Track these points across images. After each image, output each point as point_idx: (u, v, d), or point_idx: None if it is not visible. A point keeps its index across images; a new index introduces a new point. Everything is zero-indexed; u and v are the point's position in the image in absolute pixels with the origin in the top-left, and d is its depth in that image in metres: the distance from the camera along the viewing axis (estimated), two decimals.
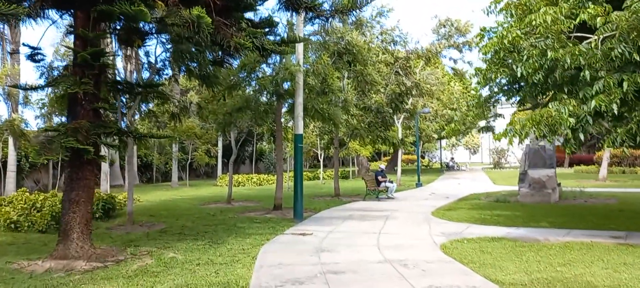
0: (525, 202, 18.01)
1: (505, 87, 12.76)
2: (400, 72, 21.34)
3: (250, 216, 15.24)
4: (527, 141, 17.98)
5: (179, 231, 12.45)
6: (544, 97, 12.18)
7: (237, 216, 15.29)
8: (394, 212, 15.70)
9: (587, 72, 8.32)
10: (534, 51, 9.03)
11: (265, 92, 15.15)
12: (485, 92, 13.16)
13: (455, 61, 24.07)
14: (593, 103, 8.19)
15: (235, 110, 16.06)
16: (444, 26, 25.27)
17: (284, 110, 17.99)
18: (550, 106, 8.96)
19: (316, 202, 19.60)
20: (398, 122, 26.00)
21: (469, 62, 24.82)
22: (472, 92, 14.07)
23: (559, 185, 19.30)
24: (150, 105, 14.19)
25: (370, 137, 20.86)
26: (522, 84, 11.73)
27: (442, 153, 57.25)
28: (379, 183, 20.12)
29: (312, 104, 14.95)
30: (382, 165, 21.14)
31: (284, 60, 14.29)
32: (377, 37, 20.93)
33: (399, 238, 10.71)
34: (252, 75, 14.96)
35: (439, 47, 23.41)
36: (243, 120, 18.00)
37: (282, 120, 18.16)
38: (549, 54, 8.67)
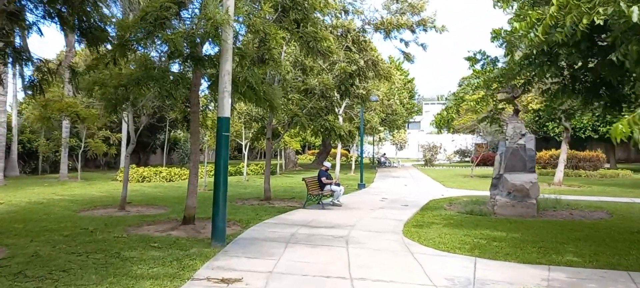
0: (505, 215, 14.50)
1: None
2: (353, 48, 17.23)
3: (147, 234, 10.48)
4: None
5: (19, 269, 7.51)
6: None
7: (127, 234, 10.45)
8: (352, 229, 11.51)
9: None
10: None
11: (176, 56, 10.33)
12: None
13: (407, 44, 19.93)
14: None
15: (131, 82, 11.10)
16: (397, 1, 21.39)
17: (203, 85, 13.23)
18: None
19: (241, 209, 15.03)
20: (340, 111, 21.89)
21: (422, 45, 20.67)
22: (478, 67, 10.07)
23: None
24: None
25: (312, 126, 16.56)
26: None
27: (373, 148, 54.12)
28: (322, 186, 15.88)
29: (245, 76, 10.38)
30: (328, 163, 16.89)
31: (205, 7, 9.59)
32: None
33: None
34: (157, 31, 10.07)
35: (392, 23, 19.43)
36: (144, 97, 13.04)
37: (201, 96, 13.36)
38: None
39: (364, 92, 19.00)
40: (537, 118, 40.77)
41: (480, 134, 44.02)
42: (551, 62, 8.80)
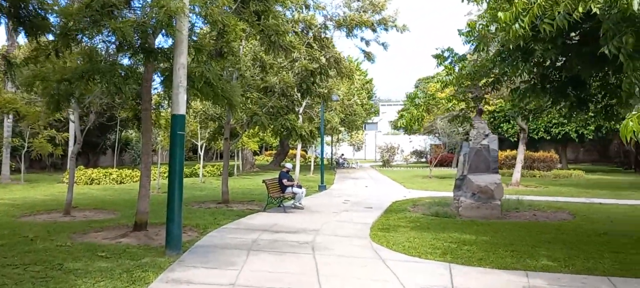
0: (470, 217, 14.24)
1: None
2: (314, 45, 16.61)
3: (94, 242, 9.56)
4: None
5: None
6: None
7: (71, 243, 9.49)
8: (317, 234, 10.90)
9: None
10: None
11: (126, 47, 9.44)
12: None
13: (367, 43, 19.48)
14: None
15: (76, 76, 10.13)
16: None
17: (157, 81, 12.36)
18: None
19: (198, 213, 14.18)
20: (300, 110, 21.26)
21: (383, 44, 20.24)
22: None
23: None
24: None
25: (272, 126, 15.85)
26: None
27: (332, 149, 53.69)
28: (283, 188, 15.20)
29: (202, 70, 9.61)
30: (289, 164, 16.21)
31: None
32: None
33: None
34: (105, 19, 9.15)
35: (354, 19, 18.89)
36: (92, 93, 12.04)
37: (154, 94, 12.45)
38: None
39: (326, 91, 18.44)
40: (492, 119, 41.38)
41: (437, 134, 44.37)
42: (525, 59, 8.45)
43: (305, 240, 10.19)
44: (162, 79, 10.60)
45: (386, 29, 21.06)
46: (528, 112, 12.55)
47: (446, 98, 9.51)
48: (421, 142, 55.15)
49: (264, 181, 15.04)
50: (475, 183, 14.81)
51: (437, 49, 10.49)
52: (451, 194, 20.20)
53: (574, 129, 37.83)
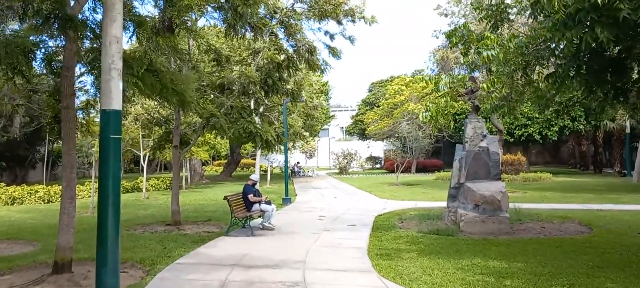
0: (474, 233, 11.97)
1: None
2: (279, 33, 13.98)
3: None
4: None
5: None
6: None
7: None
8: (305, 269, 8.21)
9: None
10: None
11: (30, 13, 6.49)
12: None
13: (332, 37, 16.94)
14: None
15: None
16: None
17: (81, 71, 9.32)
18: None
19: (142, 239, 11.19)
20: (259, 111, 18.46)
21: (349, 38, 17.76)
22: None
23: None
24: None
25: (232, 129, 13.04)
26: None
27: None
28: (249, 205, 12.41)
29: (145, 50, 6.78)
30: (254, 175, 13.39)
31: None
32: None
33: None
34: None
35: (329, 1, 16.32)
36: None
37: (78, 86, 9.41)
38: None
39: (295, 88, 15.77)
40: (455, 121, 39.87)
41: (391, 139, 42.42)
42: (593, 25, 6.15)
43: (292, 279, 7.49)
44: (89, 58, 7.61)
45: (353, 21, 18.64)
46: (558, 105, 10.35)
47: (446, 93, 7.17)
48: (379, 148, 53.39)
49: (226, 197, 12.18)
50: (478, 193, 12.55)
51: (450, 24, 8.13)
52: (435, 204, 18.06)
53: (537, 130, 36.82)
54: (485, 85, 7.10)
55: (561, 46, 7.86)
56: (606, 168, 40.90)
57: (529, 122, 36.77)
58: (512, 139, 38.05)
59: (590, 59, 8.35)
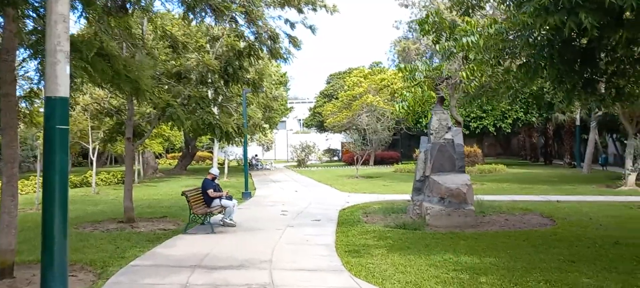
0: (441, 226, 11.79)
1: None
2: (238, 19, 13.32)
3: None
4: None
5: None
6: None
7: None
8: (273, 269, 7.73)
9: None
10: None
11: None
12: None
13: (292, 25, 16.38)
14: None
15: None
16: None
17: (23, 57, 8.50)
18: None
19: (93, 239, 10.43)
20: (216, 104, 17.72)
21: (310, 27, 17.18)
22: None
23: None
24: None
25: (190, 120, 12.34)
26: None
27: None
28: (209, 200, 11.78)
29: (96, 30, 6.10)
30: (215, 169, 12.75)
31: None
32: None
33: None
34: None
35: None
36: None
37: (21, 73, 8.54)
38: None
39: (256, 77, 15.15)
40: (409, 113, 40.02)
41: (350, 131, 42.20)
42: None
43: (259, 281, 6.98)
44: (31, 41, 6.83)
45: (314, 9, 18.14)
46: (529, 97, 10.21)
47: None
48: (337, 140, 53.25)
49: (184, 193, 11.49)
50: (444, 186, 12.36)
51: (411, 16, 7.83)
52: (398, 197, 17.87)
53: (492, 123, 37.45)
54: (464, 74, 6.77)
55: (536, 35, 7.68)
56: (556, 160, 42.18)
57: (484, 115, 37.35)
58: (468, 132, 38.56)
59: (562, 48, 8.20)
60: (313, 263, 8.08)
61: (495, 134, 39.28)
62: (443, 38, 8.53)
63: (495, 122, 37.39)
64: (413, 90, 6.67)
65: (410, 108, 6.92)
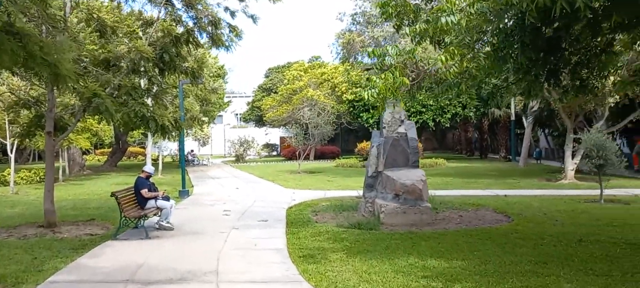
0: (397, 224, 11.18)
1: None
2: (174, 2, 12.10)
3: None
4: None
5: None
6: None
7: None
8: (220, 282, 6.72)
9: None
10: None
11: None
12: None
13: (233, 14, 15.29)
14: None
15: None
16: None
17: None
18: None
19: (7, 247, 9.01)
20: (150, 95, 16.31)
21: (252, 16, 16.13)
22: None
23: None
24: None
25: (121, 113, 11.03)
26: None
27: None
28: (143, 201, 10.55)
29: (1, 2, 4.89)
30: (149, 167, 11.47)
31: None
32: None
33: None
34: None
35: None
36: None
37: None
38: None
39: (196, 66, 13.86)
40: (351, 108, 39.71)
41: (290, 126, 41.32)
42: None
43: None
44: None
45: None
46: (493, 88, 9.68)
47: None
48: (276, 134, 52.20)
49: (113, 194, 10.17)
50: (398, 182, 11.74)
51: (355, 8, 7.15)
52: (346, 193, 17.19)
53: (431, 117, 37.69)
54: (442, 57, 6.07)
55: (506, 20, 7.14)
56: (491, 154, 43.18)
57: (424, 109, 37.51)
58: None
59: (532, 35, 7.73)
60: (266, 273, 7.14)
61: (433, 129, 39.58)
62: (405, 23, 7.82)
63: (435, 116, 37.64)
64: (384, 75, 5.91)
65: (381, 95, 6.13)
